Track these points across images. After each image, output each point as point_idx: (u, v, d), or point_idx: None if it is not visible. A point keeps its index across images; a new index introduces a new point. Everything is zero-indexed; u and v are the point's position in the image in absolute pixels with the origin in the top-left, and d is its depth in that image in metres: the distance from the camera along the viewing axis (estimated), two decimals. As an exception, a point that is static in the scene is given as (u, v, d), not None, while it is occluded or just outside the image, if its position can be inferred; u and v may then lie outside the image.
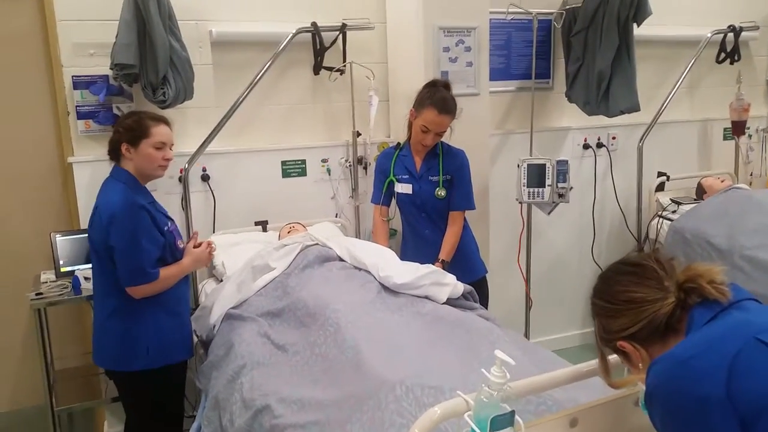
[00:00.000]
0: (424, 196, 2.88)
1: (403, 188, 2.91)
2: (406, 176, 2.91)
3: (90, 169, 2.94)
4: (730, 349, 1.09)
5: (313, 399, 1.88)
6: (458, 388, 1.36)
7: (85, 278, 2.71)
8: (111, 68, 2.83)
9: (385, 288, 2.47)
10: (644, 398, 1.18)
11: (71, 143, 2.98)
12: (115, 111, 2.97)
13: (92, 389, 3.07)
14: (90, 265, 2.51)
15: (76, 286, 2.76)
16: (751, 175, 4.48)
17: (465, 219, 2.95)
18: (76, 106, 2.93)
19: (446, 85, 2.81)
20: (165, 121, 2.37)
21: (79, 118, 2.94)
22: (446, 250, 2.84)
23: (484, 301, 2.85)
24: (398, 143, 2.99)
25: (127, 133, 2.30)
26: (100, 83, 2.93)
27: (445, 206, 2.89)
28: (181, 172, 3.07)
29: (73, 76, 2.90)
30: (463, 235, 2.92)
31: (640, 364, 1.26)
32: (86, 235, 2.39)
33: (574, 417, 1.42)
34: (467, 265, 2.93)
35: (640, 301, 1.24)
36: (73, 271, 2.82)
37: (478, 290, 2.68)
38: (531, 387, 1.39)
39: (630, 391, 1.47)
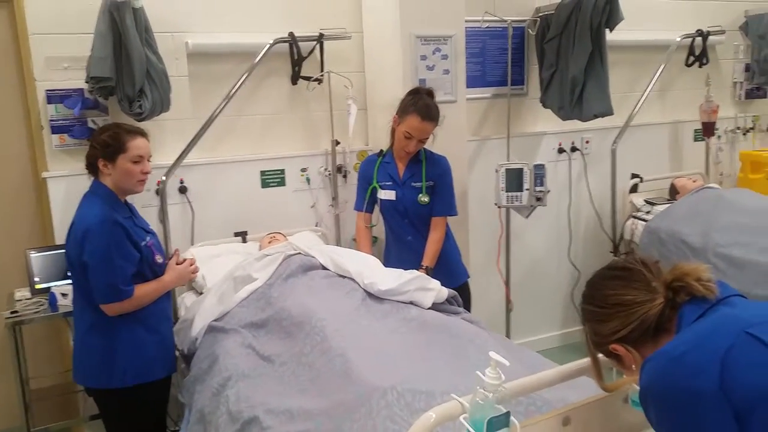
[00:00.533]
0: (407, 202, 2.88)
1: (387, 194, 2.91)
2: (390, 183, 2.92)
3: (65, 184, 2.90)
4: (722, 343, 1.11)
5: (302, 409, 1.86)
6: (449, 392, 1.37)
7: (63, 295, 2.66)
8: (86, 81, 2.79)
9: (370, 295, 2.47)
10: (639, 396, 1.20)
11: (45, 158, 2.93)
12: (90, 125, 2.92)
13: (70, 408, 3.01)
14: (66, 282, 2.45)
15: (52, 303, 2.70)
16: (722, 174, 4.58)
17: (447, 225, 2.96)
18: (50, 121, 2.88)
19: (429, 93, 2.82)
20: (141, 133, 2.32)
21: (53, 133, 2.90)
22: (429, 256, 2.85)
23: (467, 306, 2.87)
24: (381, 150, 3.00)
25: (104, 149, 2.25)
26: (74, 97, 2.89)
27: (427, 212, 2.89)
28: (158, 184, 3.03)
29: (46, 90, 2.86)
30: (445, 241, 2.93)
31: (633, 366, 1.28)
32: (62, 251, 2.35)
33: (566, 416, 1.43)
34: (450, 270, 2.94)
35: (629, 303, 1.26)
36: (49, 288, 2.77)
37: (461, 295, 2.69)
38: (523, 387, 1.40)
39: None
